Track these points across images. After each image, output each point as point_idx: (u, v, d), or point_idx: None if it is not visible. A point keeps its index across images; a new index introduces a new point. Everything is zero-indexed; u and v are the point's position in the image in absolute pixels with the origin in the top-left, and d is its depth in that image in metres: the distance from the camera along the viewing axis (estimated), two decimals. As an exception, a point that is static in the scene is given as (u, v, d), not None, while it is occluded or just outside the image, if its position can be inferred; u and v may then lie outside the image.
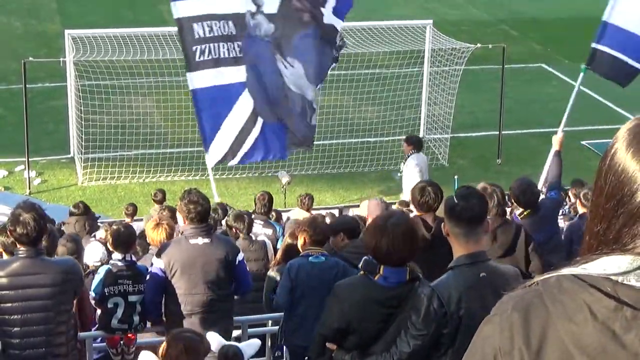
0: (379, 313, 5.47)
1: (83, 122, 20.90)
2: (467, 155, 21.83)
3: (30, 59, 22.01)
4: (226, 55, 10.87)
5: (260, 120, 11.09)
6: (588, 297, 1.98)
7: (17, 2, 33.01)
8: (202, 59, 10.81)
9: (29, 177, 20.11)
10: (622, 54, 10.95)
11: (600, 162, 2.09)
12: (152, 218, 14.37)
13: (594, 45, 11.38)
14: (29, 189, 19.93)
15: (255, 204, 12.54)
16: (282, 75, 11.06)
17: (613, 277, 1.98)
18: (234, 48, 10.90)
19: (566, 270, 2.06)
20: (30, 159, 20.18)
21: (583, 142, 21.63)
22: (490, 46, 23.60)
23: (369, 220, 9.18)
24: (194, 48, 10.85)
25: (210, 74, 10.92)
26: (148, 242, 9.90)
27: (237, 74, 10.95)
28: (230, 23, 10.83)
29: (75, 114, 21.12)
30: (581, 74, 12.07)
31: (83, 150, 20.84)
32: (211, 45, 10.84)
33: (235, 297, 8.63)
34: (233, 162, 11.64)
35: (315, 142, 21.45)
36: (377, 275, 5.49)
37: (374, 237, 5.46)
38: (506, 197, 9.68)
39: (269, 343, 9.37)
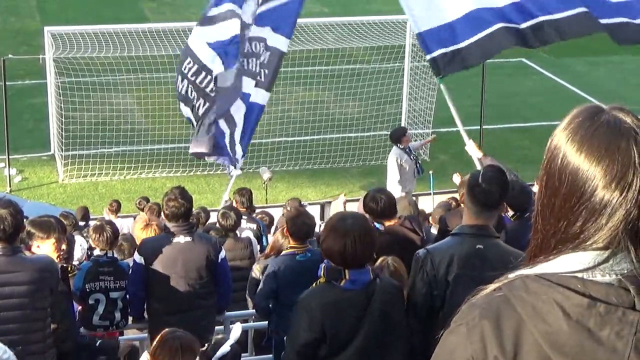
0: (350, 317, 5.39)
1: (63, 120, 20.83)
2: (449, 150, 21.85)
3: (10, 56, 21.91)
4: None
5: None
6: (558, 296, 1.98)
7: (-4, -1, 32.87)
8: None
9: (9, 175, 20.02)
10: (453, 45, 10.51)
11: (548, 164, 2.09)
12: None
13: (430, 57, 10.67)
14: (10, 186, 19.85)
15: (237, 201, 12.54)
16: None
17: (579, 274, 2.00)
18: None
19: (527, 271, 2.06)
20: (10, 157, 20.09)
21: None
22: (470, 41, 23.62)
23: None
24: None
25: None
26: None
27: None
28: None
29: (55, 111, 21.05)
30: (441, 85, 11.47)
31: (64, 148, 20.77)
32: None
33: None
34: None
35: (296, 138, 21.60)
36: (343, 280, 5.36)
37: (336, 242, 5.33)
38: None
39: (251, 338, 9.38)
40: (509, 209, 9.15)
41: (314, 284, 5.65)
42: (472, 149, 10.56)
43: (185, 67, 11.20)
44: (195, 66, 11.09)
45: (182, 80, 11.27)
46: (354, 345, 5.42)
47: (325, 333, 5.38)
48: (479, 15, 9.88)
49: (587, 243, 2.01)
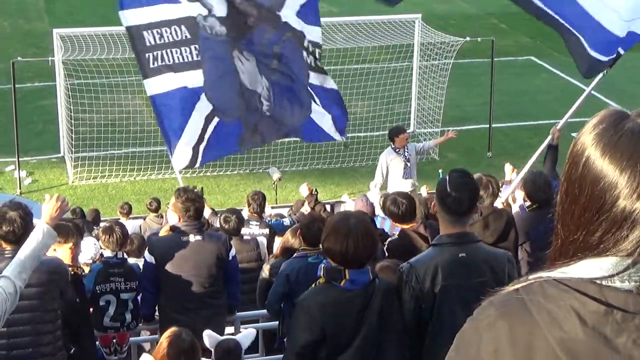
0: (350, 318, 5.37)
1: (73, 121, 20.86)
2: (458, 149, 21.84)
3: (19, 58, 21.96)
4: (180, 60, 10.58)
5: (215, 120, 10.87)
6: (574, 303, 1.95)
7: (5, 1, 32.90)
8: (156, 65, 10.52)
9: (19, 177, 20.07)
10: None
11: (570, 170, 2.05)
12: (149, 227, 14.49)
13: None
14: (20, 189, 19.89)
15: (249, 204, 12.42)
16: (238, 72, 10.80)
17: (597, 280, 1.96)
18: (190, 52, 10.63)
19: (546, 275, 2.03)
20: (20, 159, 20.14)
21: (573, 134, 21.67)
22: (479, 39, 23.62)
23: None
24: (146, 55, 10.68)
25: (166, 79, 10.65)
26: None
27: (194, 78, 10.67)
28: (183, 27, 10.55)
29: (65, 113, 21.08)
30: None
31: (73, 150, 20.80)
32: (163, 51, 10.62)
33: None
34: (197, 165, 11.50)
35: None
36: (343, 280, 5.34)
37: (338, 241, 5.30)
38: (500, 187, 9.59)
39: (262, 339, 9.38)
40: (527, 198, 9.11)
41: (313, 285, 5.63)
42: (554, 133, 10.72)
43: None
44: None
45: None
46: (354, 346, 5.39)
47: (325, 334, 5.34)
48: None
49: (609, 253, 1.97)
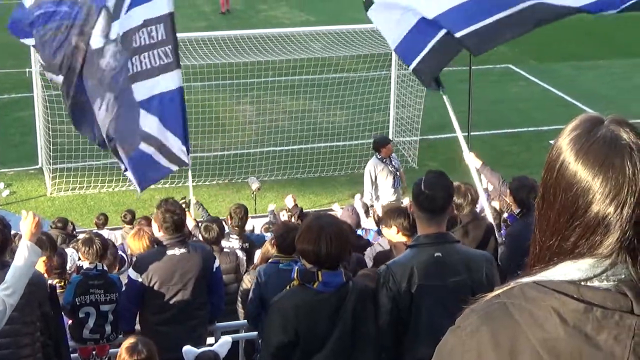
0: (324, 319, 5.41)
1: (51, 132, 20.75)
2: (437, 157, 21.87)
3: (-4, 70, 21.87)
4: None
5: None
6: (555, 303, 1.97)
7: (-18, 13, 32.80)
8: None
9: (-3, 189, 19.97)
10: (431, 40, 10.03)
11: (546, 176, 2.07)
12: (124, 240, 14.43)
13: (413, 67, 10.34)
14: (-2, 200, 19.80)
15: (231, 218, 12.32)
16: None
17: (576, 281, 1.99)
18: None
19: (526, 279, 2.05)
20: (-2, 171, 20.06)
21: (551, 142, 21.78)
22: (456, 48, 23.65)
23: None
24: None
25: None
26: (129, 253, 9.88)
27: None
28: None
29: (42, 124, 20.99)
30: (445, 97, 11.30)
31: (51, 161, 20.70)
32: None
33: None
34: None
35: (284, 147, 21.60)
36: (316, 282, 5.39)
37: (311, 242, 5.37)
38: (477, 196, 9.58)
39: (242, 349, 9.35)
40: (515, 205, 9.08)
41: (287, 287, 5.66)
42: (471, 160, 10.45)
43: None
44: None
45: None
46: (327, 347, 5.44)
47: (299, 335, 5.38)
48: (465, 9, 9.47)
49: (585, 257, 1.99)
